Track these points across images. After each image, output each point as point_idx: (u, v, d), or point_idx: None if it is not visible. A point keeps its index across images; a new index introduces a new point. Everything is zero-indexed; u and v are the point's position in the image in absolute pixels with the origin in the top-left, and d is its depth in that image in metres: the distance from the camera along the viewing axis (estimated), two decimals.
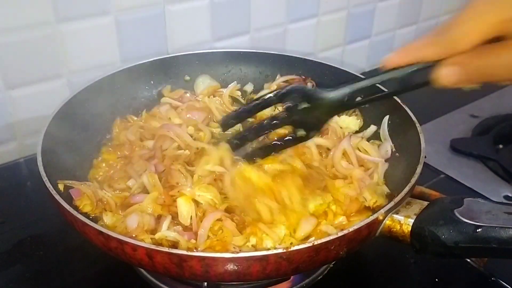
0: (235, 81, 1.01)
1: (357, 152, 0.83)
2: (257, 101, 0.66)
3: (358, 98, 0.64)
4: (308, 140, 0.71)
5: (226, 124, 0.70)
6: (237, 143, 0.72)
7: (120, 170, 0.79)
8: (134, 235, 0.66)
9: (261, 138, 0.74)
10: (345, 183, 0.76)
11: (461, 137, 1.10)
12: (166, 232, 0.66)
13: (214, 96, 0.98)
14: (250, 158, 0.73)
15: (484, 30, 0.49)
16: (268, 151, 0.73)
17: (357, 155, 0.82)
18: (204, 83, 1.00)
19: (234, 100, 1.00)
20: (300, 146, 0.78)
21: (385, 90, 0.64)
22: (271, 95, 0.65)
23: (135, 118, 0.92)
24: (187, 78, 1.00)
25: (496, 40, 0.50)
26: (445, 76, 0.53)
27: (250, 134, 0.70)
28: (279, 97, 0.65)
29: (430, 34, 0.53)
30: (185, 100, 0.96)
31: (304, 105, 0.65)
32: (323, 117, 0.67)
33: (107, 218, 0.70)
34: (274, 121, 0.68)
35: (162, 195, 0.72)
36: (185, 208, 0.69)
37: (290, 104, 0.65)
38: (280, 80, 1.00)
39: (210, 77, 1.01)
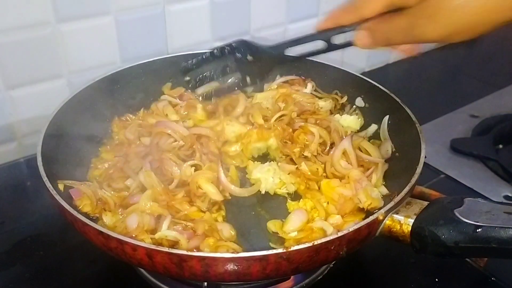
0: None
1: (357, 152, 0.82)
2: (214, 51, 0.79)
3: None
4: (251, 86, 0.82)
5: (186, 68, 0.82)
6: (195, 83, 0.82)
7: (119, 170, 0.79)
8: (134, 235, 0.66)
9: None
10: (341, 183, 0.76)
11: (461, 137, 1.10)
12: (166, 231, 0.66)
13: None
14: (208, 98, 0.85)
15: (385, 4, 0.61)
16: (222, 92, 0.84)
17: (357, 155, 0.82)
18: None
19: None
20: (303, 135, 0.86)
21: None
22: (225, 46, 0.78)
23: (133, 117, 0.92)
24: (187, 78, 1.00)
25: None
26: (358, 39, 0.66)
27: (208, 77, 0.81)
28: (232, 49, 0.78)
29: (347, 2, 0.66)
30: (185, 98, 0.96)
31: (250, 57, 0.77)
32: (266, 68, 0.80)
33: (107, 218, 0.70)
34: (227, 67, 0.79)
35: (161, 192, 0.72)
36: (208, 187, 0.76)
37: (239, 55, 0.78)
38: (280, 80, 1.00)
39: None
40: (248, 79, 0.79)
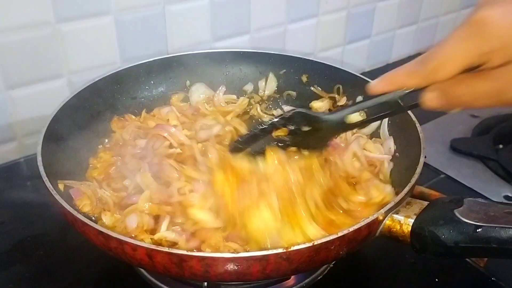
0: (223, 85, 1.00)
1: (365, 152, 0.83)
2: (263, 126, 0.70)
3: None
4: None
5: (235, 149, 0.73)
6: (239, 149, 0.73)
7: (117, 170, 0.79)
8: (133, 235, 0.66)
9: None
10: (353, 190, 0.74)
11: (461, 137, 1.10)
12: (165, 232, 0.66)
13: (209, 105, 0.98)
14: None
15: (463, 62, 0.50)
16: None
17: (365, 155, 0.82)
18: (198, 91, 0.99)
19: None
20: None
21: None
22: (276, 120, 0.70)
23: (133, 117, 0.92)
24: (188, 83, 1.00)
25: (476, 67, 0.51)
26: (428, 100, 0.56)
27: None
28: (284, 121, 0.70)
29: (412, 63, 0.56)
30: (191, 111, 0.95)
31: (306, 128, 0.70)
32: (325, 138, 0.72)
33: (106, 218, 0.70)
34: (280, 143, 0.71)
35: (157, 194, 0.71)
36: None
37: (294, 127, 0.70)
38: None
39: (205, 85, 1.00)
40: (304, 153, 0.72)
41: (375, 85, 0.60)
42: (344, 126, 0.69)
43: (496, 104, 0.52)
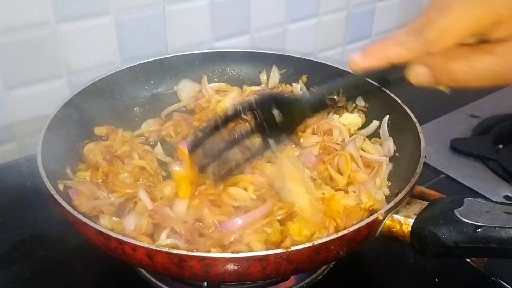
0: (204, 75, 1.00)
1: (362, 153, 0.82)
2: (227, 116, 0.63)
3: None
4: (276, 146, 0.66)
5: (195, 145, 0.65)
6: (206, 163, 0.66)
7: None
8: (132, 237, 0.65)
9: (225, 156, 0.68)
10: (344, 195, 0.73)
11: (461, 137, 1.10)
12: (164, 241, 0.65)
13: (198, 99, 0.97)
14: (220, 180, 0.69)
15: (467, 30, 0.45)
16: (234, 170, 0.69)
17: (362, 155, 0.82)
18: (185, 88, 0.99)
19: None
20: None
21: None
22: (241, 106, 0.62)
23: (118, 131, 0.87)
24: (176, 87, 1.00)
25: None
26: (418, 75, 0.50)
27: (220, 151, 0.65)
28: (251, 106, 0.62)
29: (403, 32, 0.48)
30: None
31: (276, 111, 0.61)
32: (296, 121, 0.64)
33: (104, 221, 0.69)
34: (243, 133, 0.63)
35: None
36: None
37: (261, 112, 0.61)
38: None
39: (190, 80, 0.99)
40: (272, 141, 0.63)
41: (360, 60, 0.51)
42: (316, 108, 0.62)
43: (494, 83, 0.46)
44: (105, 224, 0.69)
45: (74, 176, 0.77)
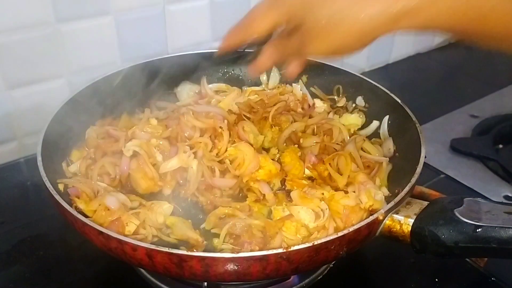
0: (204, 77, 1.00)
1: (361, 153, 0.82)
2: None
3: None
4: None
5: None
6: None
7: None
8: (118, 216, 0.66)
9: None
10: (344, 195, 0.73)
11: (461, 137, 1.10)
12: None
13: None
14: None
15: (268, 23, 0.66)
16: None
17: (362, 155, 0.82)
18: (184, 90, 0.98)
19: None
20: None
21: None
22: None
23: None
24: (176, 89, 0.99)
25: None
26: (263, 55, 0.71)
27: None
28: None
29: (237, 23, 0.71)
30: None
31: None
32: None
33: (81, 205, 0.70)
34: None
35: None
36: None
37: None
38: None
39: (189, 82, 0.99)
40: None
41: (219, 48, 0.74)
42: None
43: (302, 57, 0.69)
44: (83, 207, 0.70)
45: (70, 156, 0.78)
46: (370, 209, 0.71)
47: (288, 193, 0.76)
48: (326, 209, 0.70)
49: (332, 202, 0.72)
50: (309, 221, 0.70)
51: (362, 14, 0.59)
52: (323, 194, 0.73)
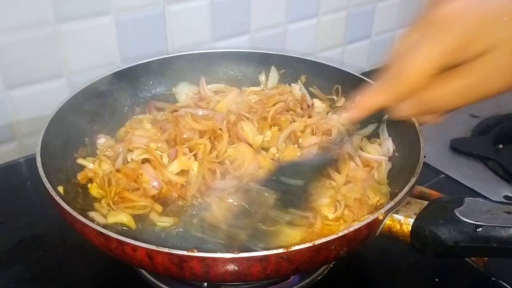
0: (202, 76, 0.99)
1: (361, 152, 0.83)
2: None
3: None
4: None
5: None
6: None
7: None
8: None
9: None
10: (349, 188, 0.75)
11: (461, 137, 1.10)
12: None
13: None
14: None
15: (432, 65, 0.48)
16: None
17: (361, 155, 0.82)
18: (183, 90, 0.99)
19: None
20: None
21: None
22: None
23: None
24: (174, 90, 1.00)
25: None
26: (404, 110, 0.53)
27: None
28: None
29: (379, 81, 0.53)
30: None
31: None
32: None
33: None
34: None
35: None
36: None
37: None
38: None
39: (188, 82, 0.99)
40: None
41: (352, 117, 0.60)
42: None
43: (476, 99, 0.49)
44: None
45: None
46: (378, 204, 0.72)
47: None
48: (342, 200, 0.72)
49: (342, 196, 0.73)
50: (328, 212, 0.71)
51: None
52: (331, 184, 0.74)
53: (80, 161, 0.79)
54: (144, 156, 0.77)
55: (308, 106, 0.96)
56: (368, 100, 0.56)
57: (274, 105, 0.91)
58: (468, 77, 0.47)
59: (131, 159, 0.78)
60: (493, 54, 0.45)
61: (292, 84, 1.00)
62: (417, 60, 0.48)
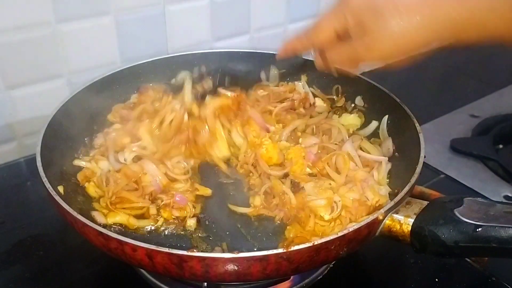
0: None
1: (360, 152, 0.82)
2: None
3: None
4: None
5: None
6: None
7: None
8: None
9: None
10: (348, 188, 0.75)
11: (461, 137, 1.10)
12: None
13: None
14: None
15: (331, 29, 0.68)
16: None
17: (361, 155, 0.82)
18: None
19: None
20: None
21: None
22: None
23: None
24: (173, 81, 0.99)
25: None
26: (315, 60, 0.74)
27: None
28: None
29: (300, 31, 0.73)
30: None
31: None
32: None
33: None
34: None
35: None
36: None
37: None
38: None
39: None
40: None
41: (279, 53, 0.79)
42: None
43: (353, 66, 0.70)
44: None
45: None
46: (377, 204, 0.72)
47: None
48: (339, 201, 0.72)
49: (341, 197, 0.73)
50: (324, 213, 0.71)
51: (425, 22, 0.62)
52: (330, 184, 0.75)
53: (76, 162, 0.79)
54: (136, 154, 0.78)
55: (310, 105, 0.96)
56: (290, 44, 0.76)
57: (281, 102, 0.91)
58: (349, 47, 0.67)
59: (124, 159, 0.79)
60: (372, 34, 0.64)
61: (296, 82, 0.99)
62: (322, 23, 0.70)
